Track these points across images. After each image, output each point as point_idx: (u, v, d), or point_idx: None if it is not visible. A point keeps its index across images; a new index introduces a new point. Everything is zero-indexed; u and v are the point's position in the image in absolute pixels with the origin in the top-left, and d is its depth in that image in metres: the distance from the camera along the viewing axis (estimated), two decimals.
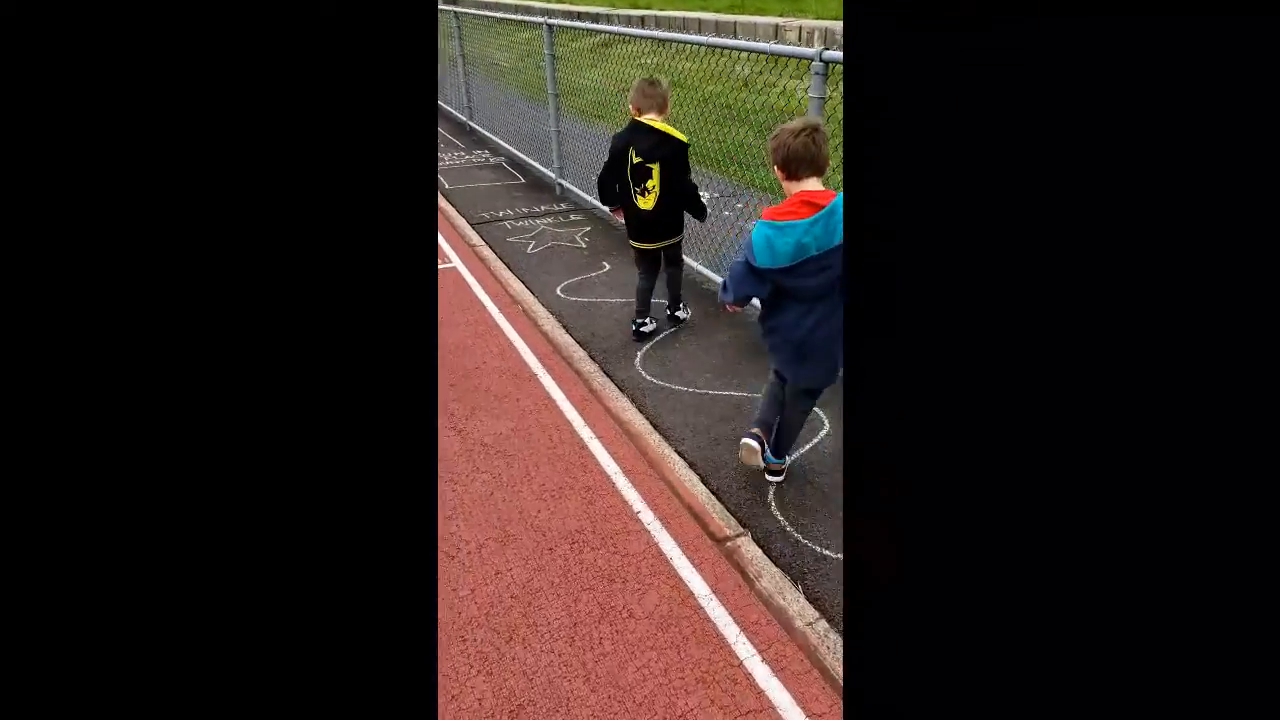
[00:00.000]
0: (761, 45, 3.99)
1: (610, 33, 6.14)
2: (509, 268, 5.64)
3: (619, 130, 3.93)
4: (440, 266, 5.78)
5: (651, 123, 3.83)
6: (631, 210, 4.02)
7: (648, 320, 4.40)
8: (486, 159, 8.97)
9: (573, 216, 6.78)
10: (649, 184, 3.87)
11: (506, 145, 8.94)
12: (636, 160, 3.86)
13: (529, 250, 5.99)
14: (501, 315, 4.85)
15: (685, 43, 4.86)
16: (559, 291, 5.17)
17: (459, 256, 5.93)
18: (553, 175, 7.46)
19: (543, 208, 7.05)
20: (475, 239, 6.25)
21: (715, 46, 4.41)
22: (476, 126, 10.09)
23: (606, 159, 3.98)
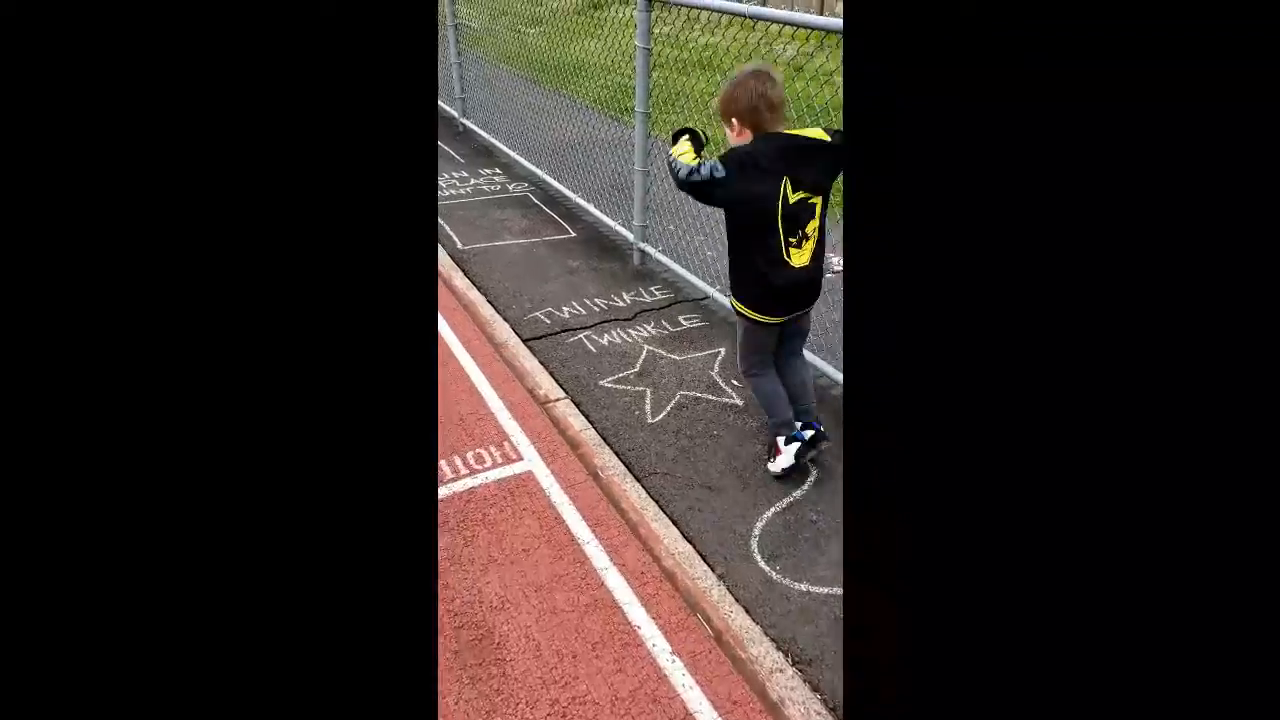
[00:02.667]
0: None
1: None
2: (631, 471, 3.04)
3: (733, 154, 2.48)
4: (481, 467, 3.13)
5: (805, 132, 2.52)
6: (778, 270, 2.59)
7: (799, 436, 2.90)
8: (502, 185, 6.23)
9: (690, 320, 4.18)
10: (809, 228, 2.58)
11: (534, 168, 6.21)
12: (797, 198, 2.50)
13: (646, 407, 3.40)
14: (635, 591, 2.33)
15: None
16: (755, 551, 2.63)
17: (506, 413, 3.30)
18: (632, 239, 4.83)
19: (629, 294, 4.42)
20: (533, 372, 3.62)
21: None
22: (474, 128, 7.30)
23: (727, 211, 2.59)
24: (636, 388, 3.57)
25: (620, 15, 8.29)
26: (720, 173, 2.43)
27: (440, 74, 8.15)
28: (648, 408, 3.43)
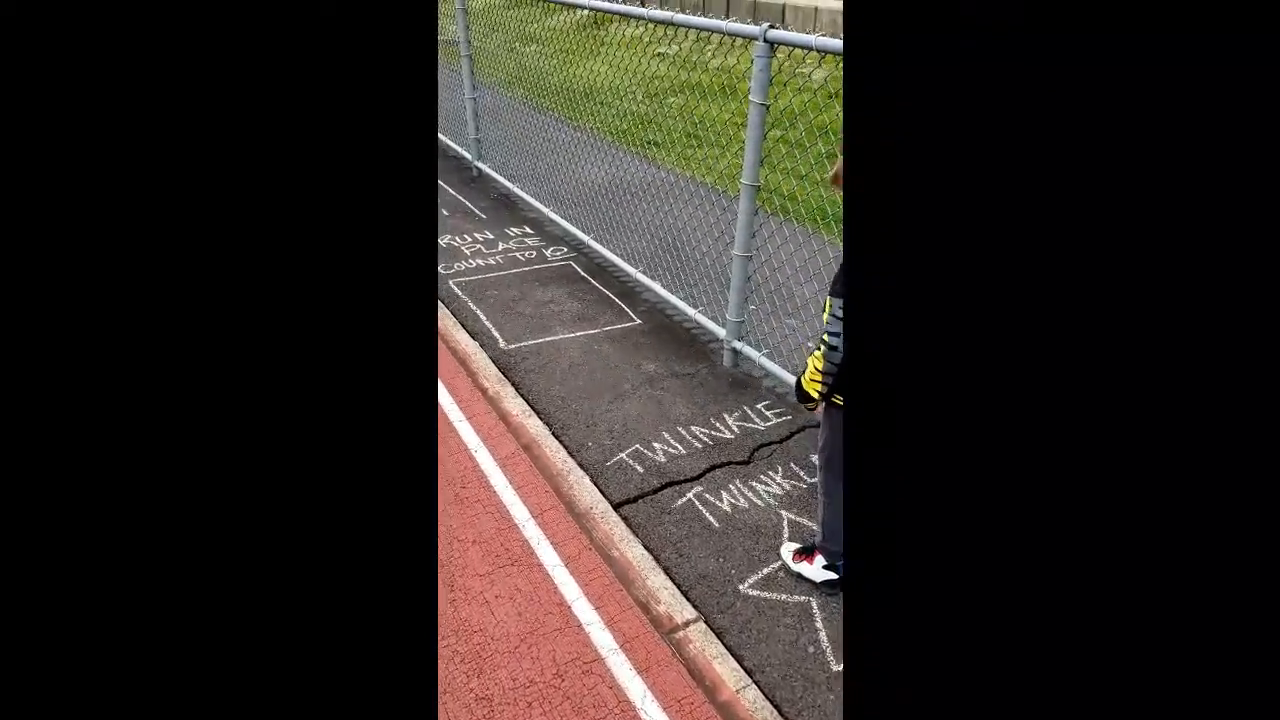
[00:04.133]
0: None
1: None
2: None
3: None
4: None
5: None
6: None
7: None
8: (537, 251, 5.19)
9: None
10: None
11: (571, 227, 5.18)
12: None
13: (820, 639, 2.38)
14: None
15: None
16: None
17: (619, 655, 2.25)
18: (724, 337, 3.80)
19: (732, 417, 3.38)
20: (643, 571, 2.58)
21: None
22: (491, 173, 6.26)
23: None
24: (794, 596, 2.54)
25: (622, 34, 7.34)
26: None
27: (448, 108, 7.10)
28: (823, 641, 2.40)
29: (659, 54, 10.12)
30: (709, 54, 9.33)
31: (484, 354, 3.92)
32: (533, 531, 2.78)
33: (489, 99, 6.56)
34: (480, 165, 6.39)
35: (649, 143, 7.12)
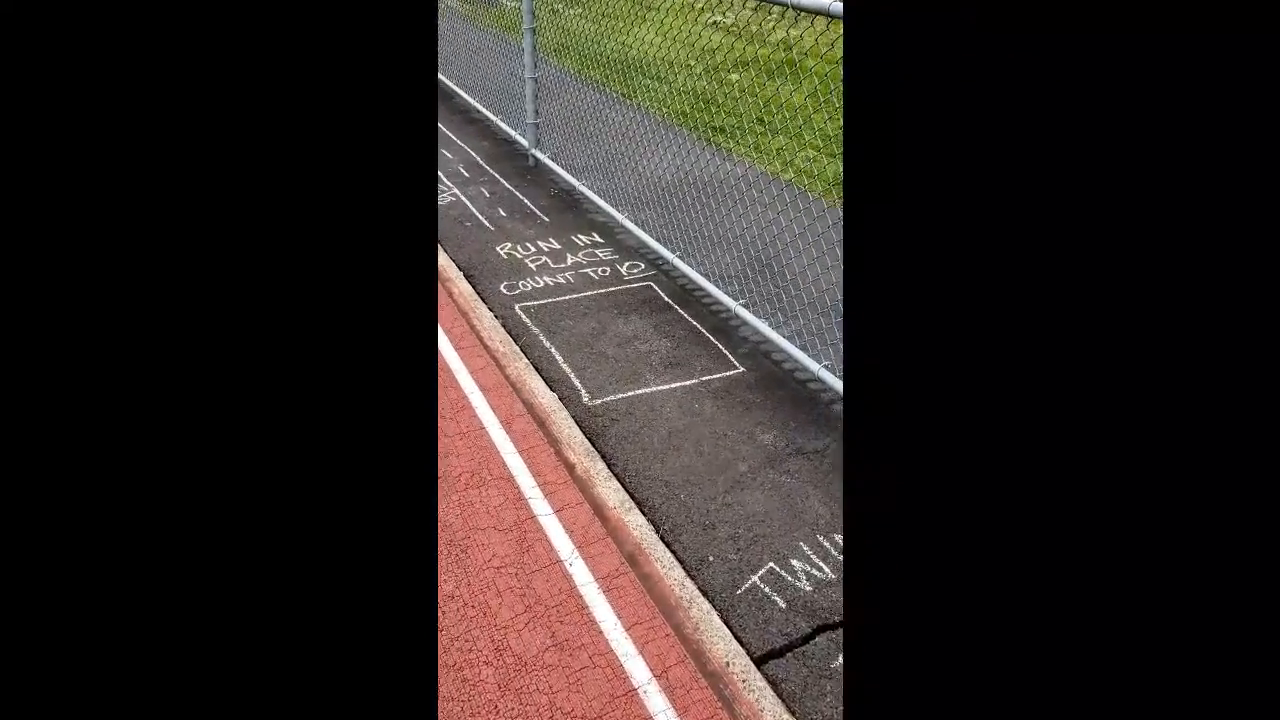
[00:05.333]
0: None
1: None
2: None
3: None
4: None
5: None
6: None
7: None
8: (610, 268, 4.52)
9: None
10: None
11: (648, 239, 4.48)
12: None
13: None
14: None
15: None
16: None
17: None
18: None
19: None
20: None
21: None
22: (548, 162, 5.54)
23: None
24: None
25: None
26: None
27: (499, 83, 6.34)
28: None
29: (713, 23, 9.30)
30: (770, 25, 8.49)
31: (566, 412, 3.27)
32: (657, 701, 2.14)
33: (550, 73, 5.81)
34: (537, 154, 5.67)
35: (715, 128, 6.36)
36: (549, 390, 3.40)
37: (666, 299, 4.16)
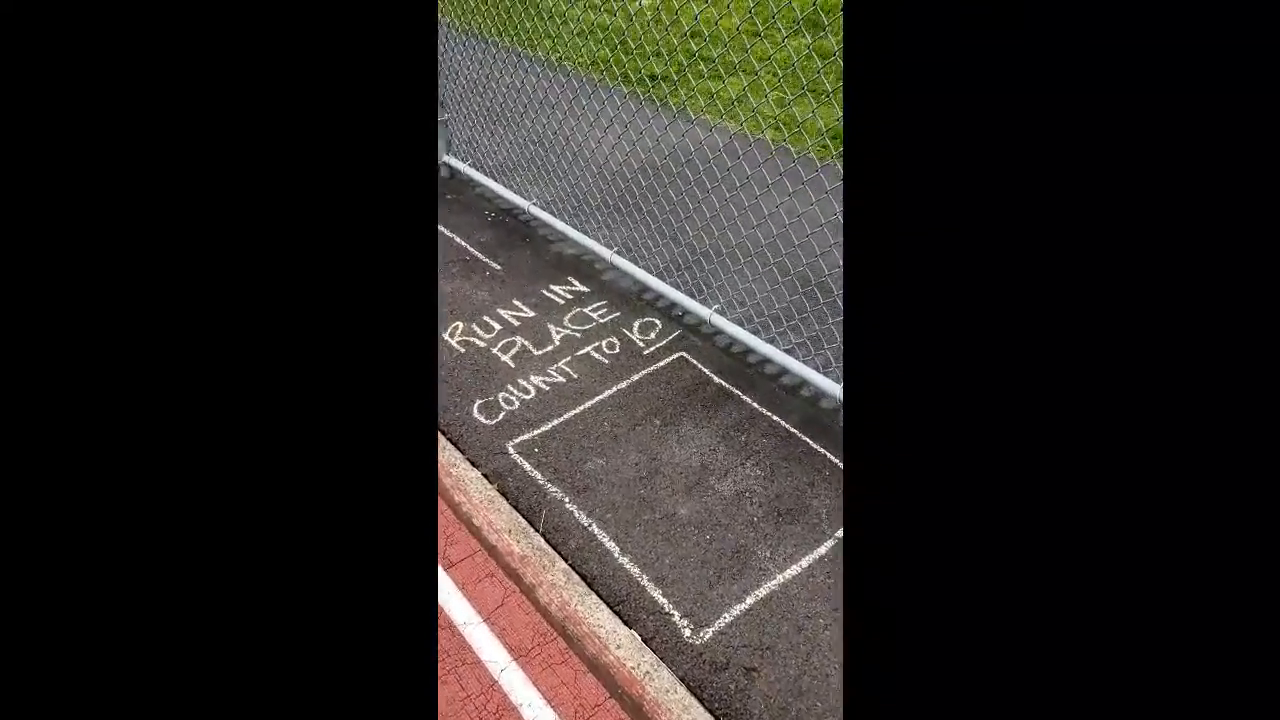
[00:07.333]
0: None
1: None
2: None
3: None
4: None
5: None
6: None
7: None
8: (620, 334, 3.14)
9: None
10: None
11: (664, 287, 3.15)
12: None
13: None
14: None
15: None
16: None
17: None
18: None
19: None
20: None
21: None
22: (466, 170, 4.04)
23: None
24: None
25: None
26: None
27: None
28: None
29: None
30: None
31: (667, 671, 1.95)
32: None
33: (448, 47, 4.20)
34: (451, 161, 4.13)
35: (649, 77, 4.84)
36: (620, 625, 2.07)
37: (715, 378, 2.85)
